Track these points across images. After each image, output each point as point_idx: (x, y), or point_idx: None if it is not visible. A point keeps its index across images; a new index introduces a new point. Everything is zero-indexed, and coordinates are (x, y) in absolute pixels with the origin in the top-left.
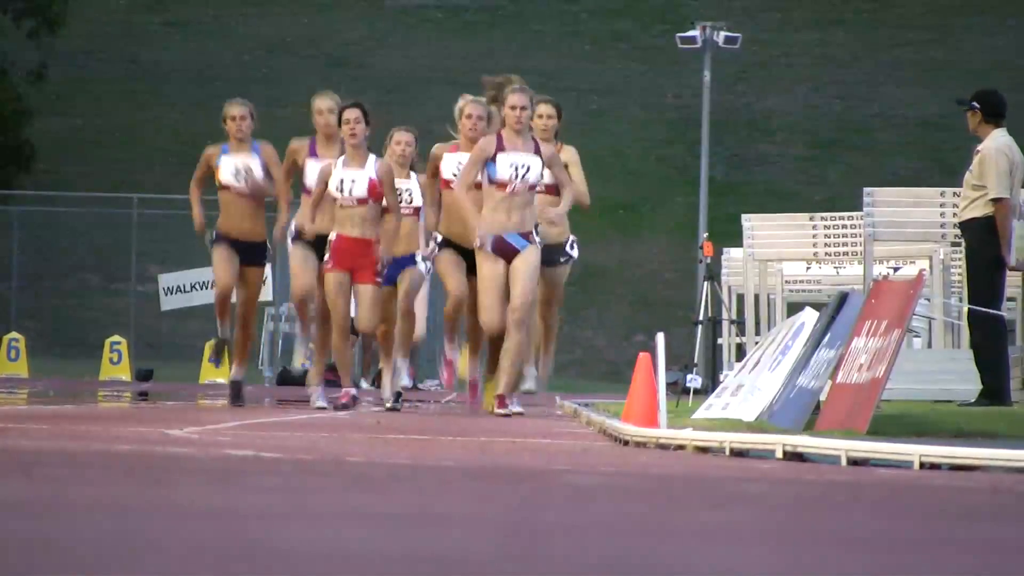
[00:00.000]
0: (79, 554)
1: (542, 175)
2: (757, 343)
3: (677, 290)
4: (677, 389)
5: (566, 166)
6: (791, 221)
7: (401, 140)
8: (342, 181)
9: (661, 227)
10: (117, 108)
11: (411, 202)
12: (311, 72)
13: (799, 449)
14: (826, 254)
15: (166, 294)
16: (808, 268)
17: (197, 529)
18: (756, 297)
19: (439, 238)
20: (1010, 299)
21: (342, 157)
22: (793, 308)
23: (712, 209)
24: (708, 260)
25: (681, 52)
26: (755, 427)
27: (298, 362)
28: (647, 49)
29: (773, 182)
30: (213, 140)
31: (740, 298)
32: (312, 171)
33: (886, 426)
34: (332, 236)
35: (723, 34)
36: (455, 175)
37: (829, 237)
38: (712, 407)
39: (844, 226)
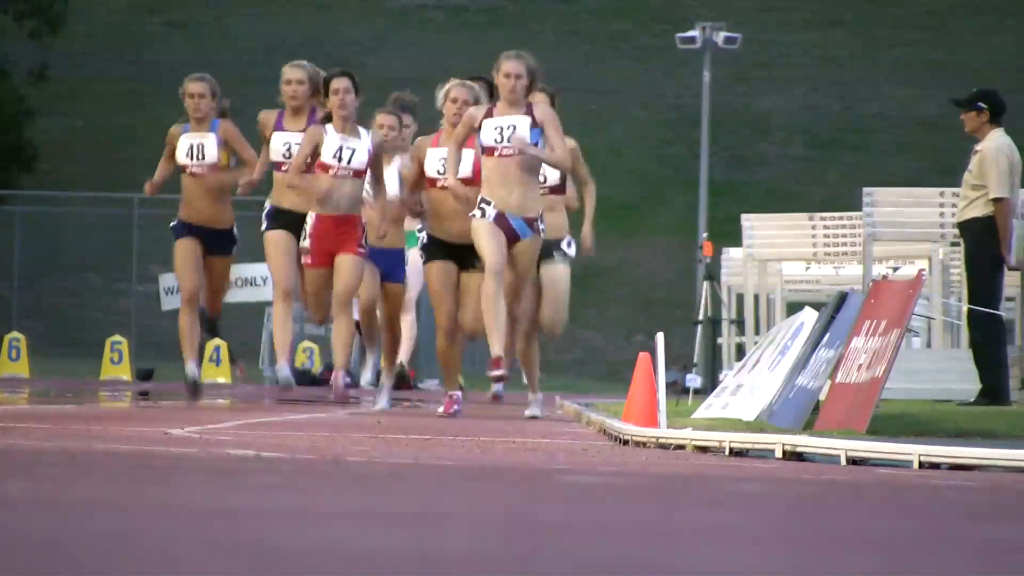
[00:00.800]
0: (79, 554)
1: (542, 141)
2: (757, 343)
3: (677, 290)
4: (677, 389)
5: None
6: (791, 221)
7: (384, 123)
8: (341, 148)
9: (661, 227)
10: (117, 108)
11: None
12: None
13: (799, 449)
14: (825, 254)
15: (167, 294)
16: (808, 268)
17: (197, 529)
18: (756, 297)
19: (425, 237)
20: (1009, 299)
21: (328, 125)
22: (793, 308)
23: (712, 209)
24: (708, 260)
25: (681, 52)
26: (755, 427)
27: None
28: (647, 49)
29: (773, 182)
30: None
31: (740, 298)
32: (278, 143)
33: (886, 426)
34: (310, 219)
35: (723, 34)
36: (440, 173)
37: (829, 237)
38: (712, 407)
39: (844, 226)
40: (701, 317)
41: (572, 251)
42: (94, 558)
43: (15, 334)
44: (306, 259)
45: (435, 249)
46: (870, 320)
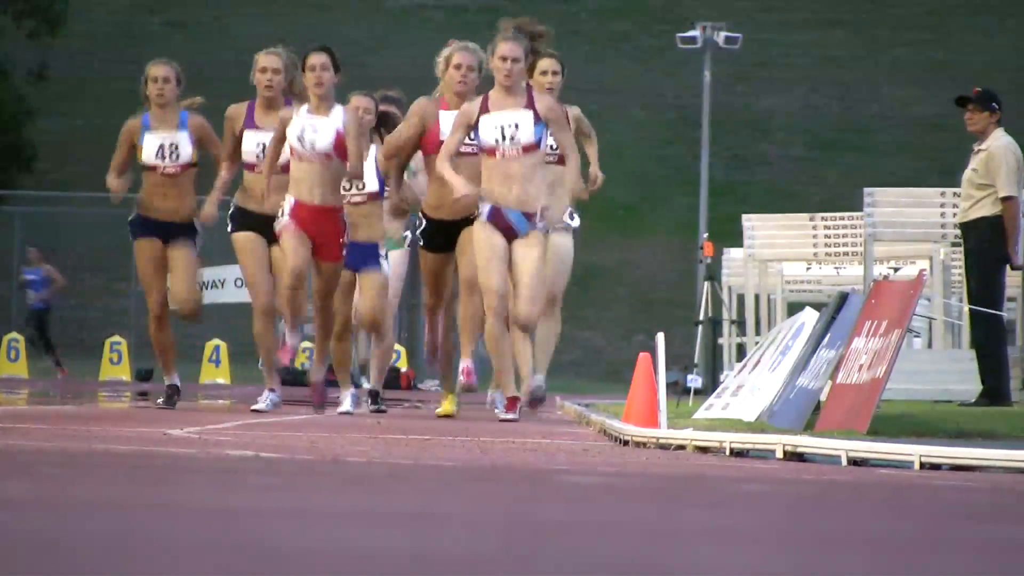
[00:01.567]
0: (79, 554)
1: (545, 136)
2: (757, 343)
3: (677, 290)
4: (677, 389)
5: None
6: (791, 221)
7: (359, 105)
8: (303, 130)
9: (661, 227)
10: (117, 108)
11: (363, 188)
12: None
13: (799, 449)
14: (826, 254)
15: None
16: (808, 268)
17: (197, 529)
18: (756, 297)
19: (423, 223)
20: (1011, 299)
21: (305, 106)
22: (793, 308)
23: (712, 209)
24: (708, 260)
25: (681, 52)
26: (755, 427)
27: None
28: (647, 49)
29: (773, 182)
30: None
31: (740, 298)
32: (250, 143)
33: (886, 426)
34: (289, 202)
35: (723, 34)
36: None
37: (829, 237)
38: (712, 407)
39: (844, 226)
40: (702, 317)
41: (575, 222)
42: (94, 558)
43: (14, 334)
44: (285, 226)
45: (435, 235)
46: (871, 320)
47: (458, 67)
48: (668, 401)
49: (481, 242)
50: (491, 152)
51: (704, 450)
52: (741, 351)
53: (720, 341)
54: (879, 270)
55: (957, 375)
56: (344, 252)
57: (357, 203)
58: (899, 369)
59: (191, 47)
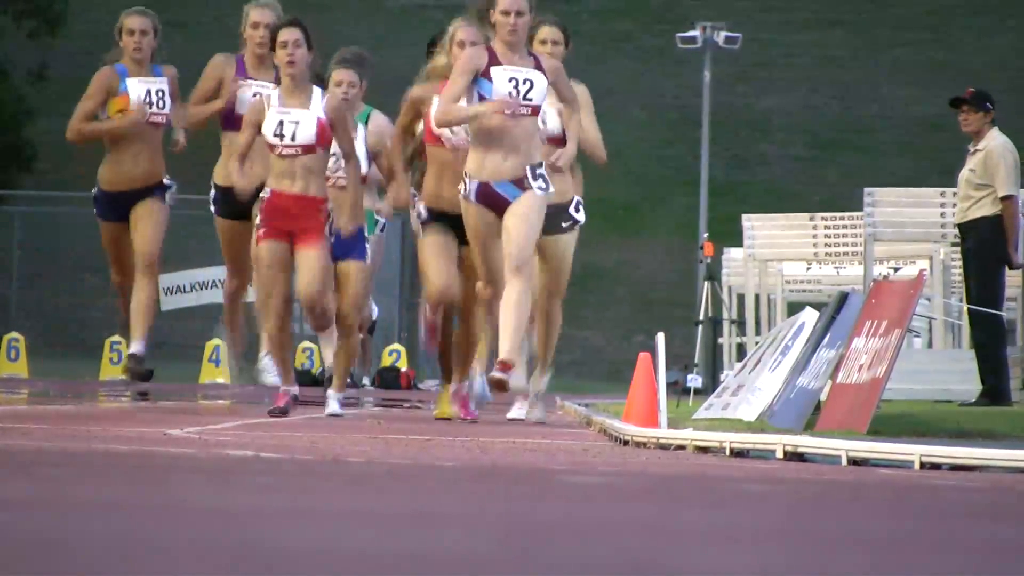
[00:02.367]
0: (79, 554)
1: (544, 98)
2: (757, 343)
3: (677, 290)
4: (677, 389)
5: None
6: (791, 221)
7: (343, 80)
8: (281, 124)
9: (661, 227)
10: None
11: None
12: None
13: (799, 449)
14: (826, 254)
15: (166, 294)
16: (808, 268)
17: (197, 529)
18: (756, 297)
19: (424, 213)
20: (1010, 299)
21: (276, 91)
22: (793, 308)
23: (712, 209)
24: (708, 260)
25: (681, 52)
26: (755, 427)
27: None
28: (647, 49)
29: (773, 182)
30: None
31: (740, 298)
32: (247, 94)
33: (886, 426)
34: (264, 193)
35: (723, 34)
36: (453, 132)
37: (829, 237)
38: (712, 407)
39: (844, 226)
40: (702, 317)
41: (581, 216)
42: (94, 558)
43: (14, 334)
44: (259, 231)
45: (434, 232)
46: (871, 320)
47: (461, 44)
48: (668, 401)
49: (471, 220)
50: (496, 112)
51: (704, 450)
52: (741, 351)
53: (720, 341)
54: (879, 270)
55: (957, 375)
56: (328, 242)
57: (343, 187)
58: (899, 369)
59: (191, 47)
